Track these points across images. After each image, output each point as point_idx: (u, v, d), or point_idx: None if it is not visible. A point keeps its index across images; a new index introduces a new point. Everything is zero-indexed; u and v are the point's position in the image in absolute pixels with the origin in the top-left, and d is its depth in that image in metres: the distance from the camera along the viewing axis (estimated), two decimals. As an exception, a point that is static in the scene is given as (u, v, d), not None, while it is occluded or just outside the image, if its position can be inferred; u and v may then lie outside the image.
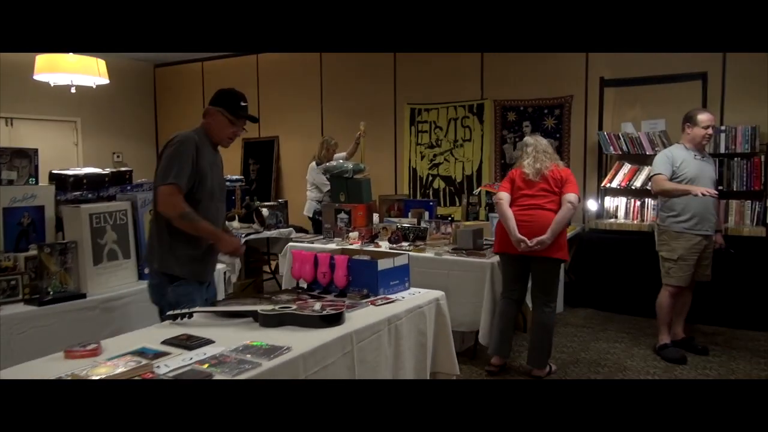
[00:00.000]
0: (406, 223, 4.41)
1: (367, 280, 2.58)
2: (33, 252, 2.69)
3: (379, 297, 2.53)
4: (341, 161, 4.82)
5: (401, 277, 2.71)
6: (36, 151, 2.92)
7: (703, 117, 3.86)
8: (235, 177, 5.80)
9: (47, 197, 2.91)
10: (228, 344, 1.89)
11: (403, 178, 6.68)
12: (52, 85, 5.96)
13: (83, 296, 2.67)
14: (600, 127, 5.41)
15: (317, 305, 2.22)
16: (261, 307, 2.18)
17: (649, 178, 3.96)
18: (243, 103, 2.68)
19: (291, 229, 5.28)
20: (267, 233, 5.02)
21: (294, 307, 2.19)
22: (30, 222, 2.85)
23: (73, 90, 6.01)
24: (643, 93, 5.35)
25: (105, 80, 5.91)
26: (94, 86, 6.12)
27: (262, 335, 2.00)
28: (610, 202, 5.31)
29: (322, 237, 4.56)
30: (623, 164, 5.23)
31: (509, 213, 3.45)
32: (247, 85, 7.82)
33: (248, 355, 1.77)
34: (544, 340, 3.54)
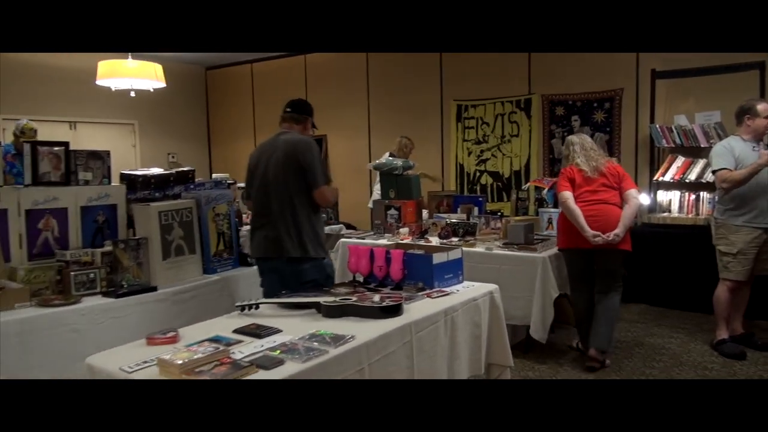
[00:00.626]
0: (455, 218, 4.46)
1: (422, 273, 2.66)
2: (108, 248, 2.87)
3: (434, 290, 2.60)
4: (390, 158, 4.90)
5: (455, 270, 2.78)
6: (108, 153, 3.11)
7: (763, 107, 3.77)
8: (286, 175, 5.97)
9: (119, 196, 3.10)
10: (295, 333, 2.00)
11: (450, 174, 6.72)
12: (113, 89, 6.26)
13: (155, 289, 2.84)
14: (652, 120, 5.33)
15: (376, 297, 2.31)
16: (323, 299, 2.28)
17: (712, 173, 3.86)
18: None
19: (342, 225, 5.39)
20: (318, 229, 5.15)
21: (354, 298, 2.29)
22: (104, 220, 3.04)
23: (132, 94, 6.30)
24: (696, 84, 5.23)
25: (162, 84, 6.18)
26: (152, 90, 6.41)
27: (326, 325, 2.10)
28: (663, 195, 5.22)
29: (372, 233, 4.65)
30: (676, 157, 5.13)
31: (578, 210, 3.51)
32: (295, 85, 8.01)
33: (315, 343, 1.87)
34: (612, 322, 3.64)
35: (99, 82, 5.98)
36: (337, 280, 4.44)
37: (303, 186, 2.90)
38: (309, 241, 2.92)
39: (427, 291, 2.58)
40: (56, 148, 2.87)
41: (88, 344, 2.56)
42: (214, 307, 3.09)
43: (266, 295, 2.93)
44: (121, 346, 1.97)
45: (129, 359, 1.80)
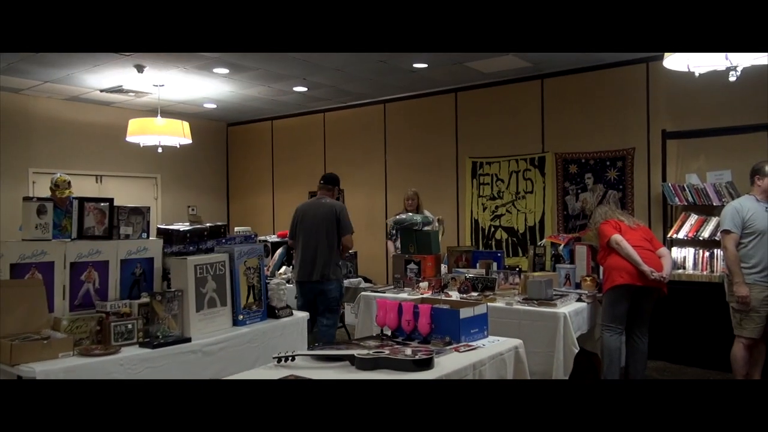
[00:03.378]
0: (474, 273, 4.55)
1: (449, 327, 2.74)
2: (145, 299, 2.99)
3: (461, 344, 2.68)
4: (410, 214, 5.05)
5: (480, 325, 2.86)
6: (148, 209, 3.27)
7: None
8: (307, 229, 6.12)
9: (156, 250, 3.23)
10: (332, 385, 2.08)
11: (466, 230, 6.85)
12: (141, 146, 6.53)
13: (189, 340, 2.93)
14: (664, 179, 5.47)
15: (408, 350, 2.39)
16: (357, 352, 2.37)
17: (720, 231, 4.03)
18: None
19: (360, 279, 5.50)
20: (339, 283, 5.26)
21: (387, 351, 2.38)
22: (141, 272, 3.16)
23: (159, 150, 6.56)
24: (706, 144, 5.41)
25: (188, 140, 6.44)
26: (178, 146, 6.67)
27: (361, 377, 2.18)
28: (677, 252, 5.30)
29: (392, 287, 4.75)
30: (689, 215, 5.25)
31: (634, 250, 3.85)
32: (313, 140, 8.29)
33: (354, 395, 1.95)
34: (644, 365, 4.00)
35: (129, 138, 6.25)
36: (358, 333, 4.55)
37: (337, 234, 4.64)
38: (334, 269, 4.65)
39: (455, 345, 2.66)
40: (102, 204, 3.03)
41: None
42: (241, 358, 3.18)
43: (301, 308, 4.19)
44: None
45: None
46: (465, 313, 2.76)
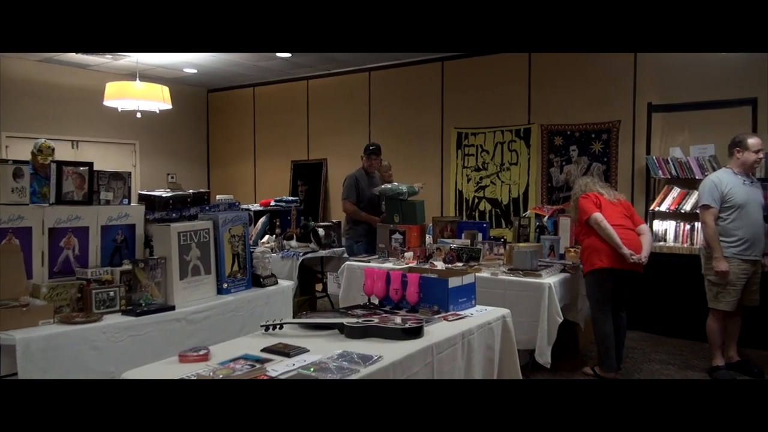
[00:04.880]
0: (459, 243, 4.55)
1: (437, 296, 2.73)
2: (127, 267, 2.92)
3: (449, 313, 2.67)
4: (396, 184, 5.00)
5: (468, 294, 2.86)
6: (130, 174, 3.18)
7: (753, 141, 3.92)
8: (290, 198, 6.06)
9: (138, 216, 3.16)
10: (321, 352, 2.06)
11: (450, 201, 6.84)
12: (120, 110, 6.34)
13: (173, 308, 2.89)
14: (648, 152, 5.50)
15: (398, 319, 2.38)
16: (346, 320, 2.35)
17: (698, 205, 4.04)
18: (371, 147, 5.42)
19: (344, 248, 5.47)
20: (322, 252, 5.23)
21: (376, 320, 2.36)
22: (123, 239, 3.09)
23: (138, 115, 6.38)
24: (691, 118, 5.42)
25: (168, 105, 6.27)
26: (158, 111, 6.49)
27: (350, 345, 2.16)
28: (659, 225, 5.36)
29: (377, 256, 4.73)
30: (672, 188, 5.29)
31: (613, 230, 3.78)
32: (296, 109, 8.15)
33: (345, 363, 1.94)
34: (623, 339, 4.03)
35: (106, 102, 6.06)
36: (341, 303, 4.54)
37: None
38: (345, 230, 5.47)
39: (443, 314, 2.65)
40: (81, 168, 2.93)
41: (108, 361, 2.60)
42: (226, 327, 3.15)
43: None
44: (154, 363, 2.02)
45: (164, 375, 1.85)
46: (453, 282, 2.75)
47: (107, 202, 3.05)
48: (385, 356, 2.02)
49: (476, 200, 6.64)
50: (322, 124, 7.98)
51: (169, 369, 1.93)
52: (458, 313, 2.70)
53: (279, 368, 1.88)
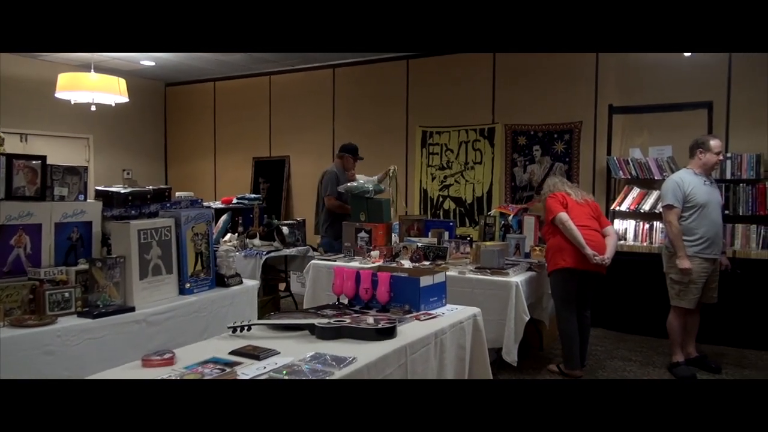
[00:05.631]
0: (425, 242, 4.53)
1: (408, 296, 2.69)
2: (84, 266, 2.78)
3: (421, 312, 2.64)
4: (361, 181, 4.94)
5: (439, 293, 2.83)
6: (86, 168, 3.03)
7: (715, 143, 4.03)
8: (253, 196, 5.93)
9: (95, 213, 3.00)
10: (292, 354, 1.99)
11: (414, 199, 6.82)
12: (72, 103, 6.08)
13: (132, 309, 2.76)
14: (609, 152, 5.60)
15: (370, 319, 2.33)
16: (317, 321, 2.28)
17: (662, 205, 4.13)
18: (356, 149, 5.49)
19: (308, 247, 5.39)
20: (287, 251, 5.13)
21: (348, 320, 2.30)
22: (78, 237, 2.94)
23: (93, 108, 6.13)
24: (650, 120, 5.55)
25: (125, 98, 6.05)
26: (113, 105, 6.25)
27: (322, 347, 2.10)
28: (619, 224, 5.46)
29: (343, 255, 4.66)
30: (632, 188, 5.40)
31: (578, 230, 3.80)
32: (258, 104, 7.99)
33: (318, 365, 1.87)
34: (587, 337, 4.09)
35: (58, 94, 5.80)
36: (307, 303, 4.45)
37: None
38: (325, 227, 5.31)
39: (415, 314, 2.61)
40: (33, 162, 2.77)
41: (62, 366, 2.46)
42: (189, 329, 3.03)
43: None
44: (116, 368, 1.91)
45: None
46: (425, 281, 2.72)
47: (61, 198, 2.89)
48: (359, 357, 1.96)
49: (441, 199, 6.64)
50: (285, 120, 7.85)
51: (130, 374, 1.83)
52: (430, 312, 2.67)
53: (249, 372, 1.81)
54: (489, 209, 6.24)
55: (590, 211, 3.98)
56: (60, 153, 7.53)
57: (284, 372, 1.79)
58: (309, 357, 1.95)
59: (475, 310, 2.80)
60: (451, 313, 2.69)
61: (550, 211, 3.91)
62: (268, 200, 7.82)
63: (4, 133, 6.55)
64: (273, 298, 5.38)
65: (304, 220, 5.61)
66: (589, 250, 3.76)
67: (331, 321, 2.28)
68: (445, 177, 6.62)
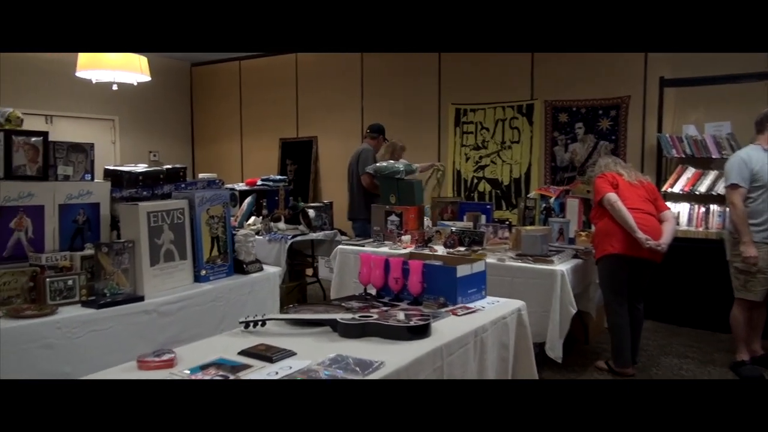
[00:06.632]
0: (461, 226, 4.21)
1: (443, 287, 2.40)
2: (89, 251, 2.56)
3: (458, 306, 2.34)
4: (391, 161, 4.64)
5: (478, 284, 2.52)
6: (92, 145, 2.80)
7: None
8: (278, 177, 5.68)
9: (103, 194, 2.78)
10: (310, 356, 1.72)
11: (447, 181, 6.47)
12: (94, 82, 5.90)
13: (141, 299, 2.53)
14: (659, 129, 5.16)
15: (401, 315, 2.04)
16: (339, 316, 2.00)
17: (725, 185, 3.71)
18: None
19: (336, 231, 5.12)
20: (313, 235, 4.88)
21: (375, 316, 2.02)
22: (85, 220, 2.72)
23: (114, 87, 5.94)
24: (706, 93, 5.08)
25: (146, 77, 5.84)
26: (135, 83, 6.06)
27: (345, 347, 1.82)
28: (671, 207, 5.01)
29: (372, 240, 4.38)
30: (686, 168, 4.97)
31: (629, 213, 3.43)
32: (284, 84, 7.71)
33: (339, 371, 1.59)
34: (638, 336, 3.75)
35: (79, 73, 5.61)
36: (334, 291, 4.20)
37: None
38: (361, 209, 5.05)
39: (451, 307, 2.32)
40: (33, 139, 2.55)
41: (62, 362, 2.25)
42: (204, 320, 2.81)
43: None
44: (108, 370, 1.66)
45: (117, 388, 1.50)
46: (462, 270, 2.41)
47: (66, 178, 2.67)
48: (388, 361, 1.68)
49: (475, 181, 6.29)
50: (313, 100, 7.56)
51: (124, 377, 1.58)
52: (468, 306, 2.37)
53: (259, 378, 1.54)
54: (527, 191, 5.87)
55: (645, 194, 3.61)
56: (86, 135, 7.40)
57: (298, 380, 1.52)
58: (329, 360, 1.68)
59: (519, 303, 2.49)
60: (492, 307, 2.38)
61: (597, 191, 3.55)
62: (296, 182, 7.58)
63: (28, 114, 6.43)
64: (299, 285, 5.14)
65: (331, 203, 5.34)
66: (641, 234, 3.39)
67: (356, 316, 2.00)
68: (480, 157, 6.26)
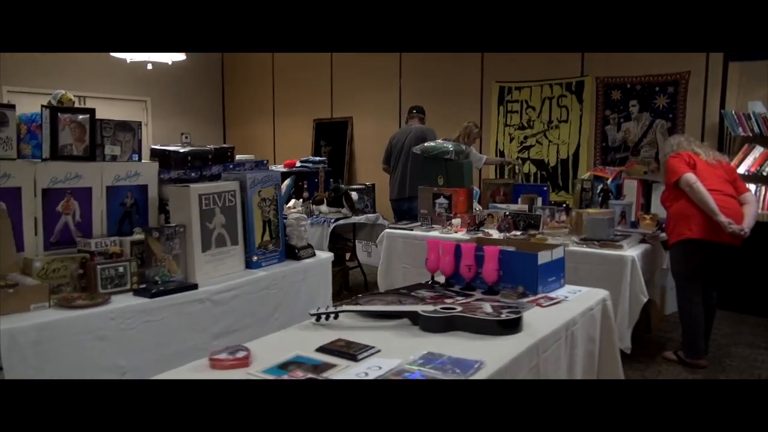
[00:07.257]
0: (515, 209, 4.00)
1: (522, 275, 2.20)
2: (139, 236, 2.42)
3: (540, 296, 2.14)
4: (441, 141, 4.42)
5: (557, 272, 2.32)
6: (140, 124, 2.65)
7: None
8: (317, 158, 5.51)
9: (151, 176, 2.63)
10: (395, 353, 1.55)
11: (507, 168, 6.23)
12: (128, 62, 5.79)
13: (195, 287, 2.38)
14: (722, 106, 4.85)
15: (487, 306, 1.85)
16: (421, 308, 1.82)
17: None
18: None
19: (378, 214, 4.95)
20: (356, 218, 4.70)
21: (459, 308, 1.83)
22: (133, 203, 2.57)
23: (149, 66, 5.82)
24: (774, 67, 4.75)
25: (182, 56, 5.72)
26: (170, 62, 5.93)
27: (431, 342, 1.64)
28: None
29: (419, 223, 4.19)
30: (753, 147, 4.66)
31: (709, 195, 3.20)
32: (320, 64, 7.50)
33: (438, 373, 1.41)
34: (711, 326, 3.53)
35: (114, 53, 5.50)
36: (380, 277, 4.02)
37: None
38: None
39: (532, 297, 2.12)
40: (80, 116, 2.39)
41: (116, 354, 2.12)
42: (258, 309, 2.66)
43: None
44: (178, 369, 1.50)
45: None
46: (543, 257, 2.21)
47: (113, 158, 2.52)
48: (487, 361, 1.49)
49: (520, 162, 6.03)
50: (348, 80, 7.34)
51: (198, 377, 1.42)
52: (550, 296, 2.17)
53: (347, 378, 1.37)
54: (575, 173, 5.61)
55: (724, 174, 3.35)
56: (118, 116, 7.26)
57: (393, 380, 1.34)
58: (420, 359, 1.50)
59: (604, 293, 2.29)
60: (576, 297, 2.18)
61: (673, 172, 3.30)
62: (330, 164, 7.36)
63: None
64: (342, 270, 4.98)
65: (373, 185, 5.16)
66: (723, 218, 3.15)
67: (438, 308, 1.81)
68: (525, 137, 6.00)
